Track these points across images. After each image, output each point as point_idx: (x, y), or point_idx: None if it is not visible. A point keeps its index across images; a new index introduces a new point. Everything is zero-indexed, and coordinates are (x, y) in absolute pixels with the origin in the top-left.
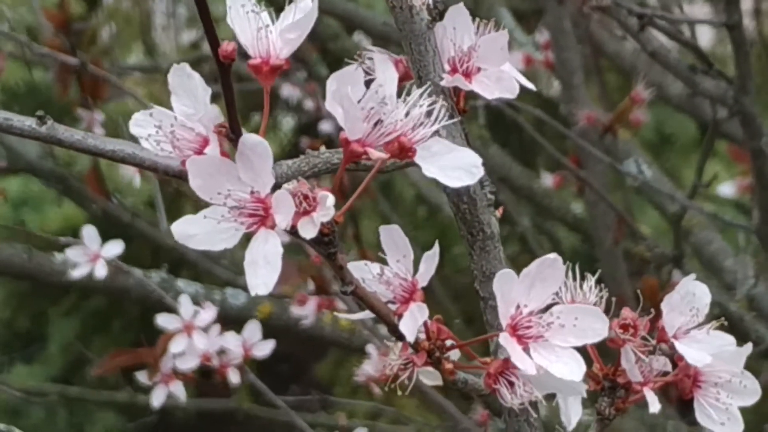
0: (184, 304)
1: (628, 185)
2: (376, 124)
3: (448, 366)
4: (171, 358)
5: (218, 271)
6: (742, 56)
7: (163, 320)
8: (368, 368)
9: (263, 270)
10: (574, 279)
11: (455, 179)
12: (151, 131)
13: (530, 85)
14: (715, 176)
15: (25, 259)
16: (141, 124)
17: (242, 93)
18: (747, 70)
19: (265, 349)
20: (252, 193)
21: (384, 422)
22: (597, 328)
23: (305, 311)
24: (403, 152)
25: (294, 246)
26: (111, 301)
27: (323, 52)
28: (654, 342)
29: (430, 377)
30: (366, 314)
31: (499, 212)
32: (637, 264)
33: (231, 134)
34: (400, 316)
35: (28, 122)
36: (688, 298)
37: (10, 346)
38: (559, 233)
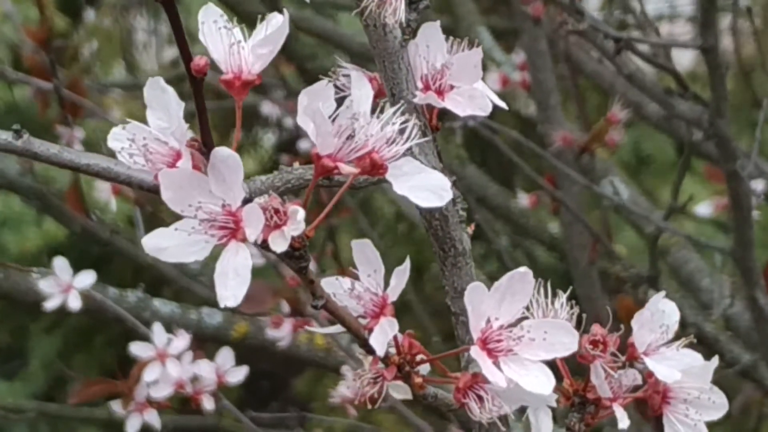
0: (158, 332)
1: (605, 205)
2: (347, 139)
3: (418, 380)
4: (145, 386)
5: (197, 289)
6: (717, 79)
7: (136, 349)
8: (343, 390)
9: (233, 282)
10: (546, 296)
11: (424, 200)
12: (125, 144)
13: (503, 104)
14: (690, 197)
15: (0, 279)
16: (118, 138)
17: (222, 110)
18: (722, 93)
19: (238, 375)
20: (223, 206)
21: None
22: (566, 342)
23: (281, 333)
24: (374, 169)
25: (268, 268)
26: (93, 317)
27: (301, 72)
28: (623, 358)
29: (399, 391)
30: (337, 328)
31: (470, 229)
32: (615, 283)
33: (203, 148)
34: (370, 331)
35: (4, 136)
36: (658, 315)
37: None
38: (538, 251)
